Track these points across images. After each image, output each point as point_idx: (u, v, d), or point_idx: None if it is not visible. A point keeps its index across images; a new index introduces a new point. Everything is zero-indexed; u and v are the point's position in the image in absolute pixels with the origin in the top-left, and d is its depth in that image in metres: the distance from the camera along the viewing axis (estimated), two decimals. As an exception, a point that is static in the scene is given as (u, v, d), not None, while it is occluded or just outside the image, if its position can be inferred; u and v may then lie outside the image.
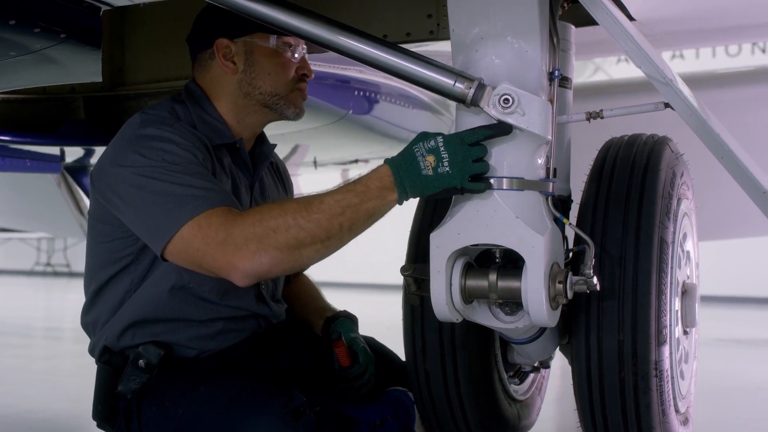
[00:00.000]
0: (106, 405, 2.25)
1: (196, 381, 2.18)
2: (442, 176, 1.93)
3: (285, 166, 2.67)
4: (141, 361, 2.20)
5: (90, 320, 2.32)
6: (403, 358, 2.48)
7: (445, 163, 1.92)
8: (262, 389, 2.11)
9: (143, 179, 2.06)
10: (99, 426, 2.31)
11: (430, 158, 1.93)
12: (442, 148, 1.93)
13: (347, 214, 1.97)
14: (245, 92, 2.29)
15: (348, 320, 2.51)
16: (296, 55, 2.31)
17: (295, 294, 2.61)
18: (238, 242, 1.97)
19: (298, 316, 2.56)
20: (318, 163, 5.57)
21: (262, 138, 2.44)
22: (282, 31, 2.07)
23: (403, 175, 1.95)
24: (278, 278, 2.46)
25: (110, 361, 2.26)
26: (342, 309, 2.57)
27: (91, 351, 2.33)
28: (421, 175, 1.94)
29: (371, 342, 2.54)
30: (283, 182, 2.59)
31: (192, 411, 2.13)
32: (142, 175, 2.07)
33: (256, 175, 2.38)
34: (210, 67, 2.31)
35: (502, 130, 1.93)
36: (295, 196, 2.69)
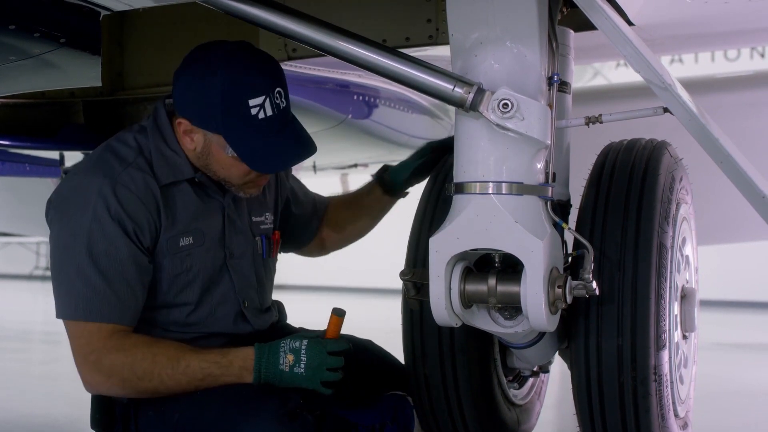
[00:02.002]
0: (103, 412, 2.25)
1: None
2: (295, 375, 2.11)
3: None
4: None
5: None
6: (402, 362, 2.48)
7: (302, 366, 2.11)
8: (259, 391, 2.11)
9: (61, 254, 2.17)
10: (97, 434, 2.31)
11: (290, 357, 2.11)
12: (303, 351, 2.12)
13: (205, 382, 2.12)
14: (201, 165, 2.25)
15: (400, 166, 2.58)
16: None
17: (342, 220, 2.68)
18: (103, 370, 2.12)
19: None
20: (317, 168, 5.57)
21: None
22: (244, 159, 2.15)
23: (262, 363, 2.12)
24: (266, 287, 2.44)
25: None
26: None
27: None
28: (278, 369, 2.11)
29: (370, 346, 2.54)
30: (268, 188, 2.49)
31: (188, 414, 2.14)
32: (62, 250, 2.17)
33: (227, 197, 2.32)
34: None
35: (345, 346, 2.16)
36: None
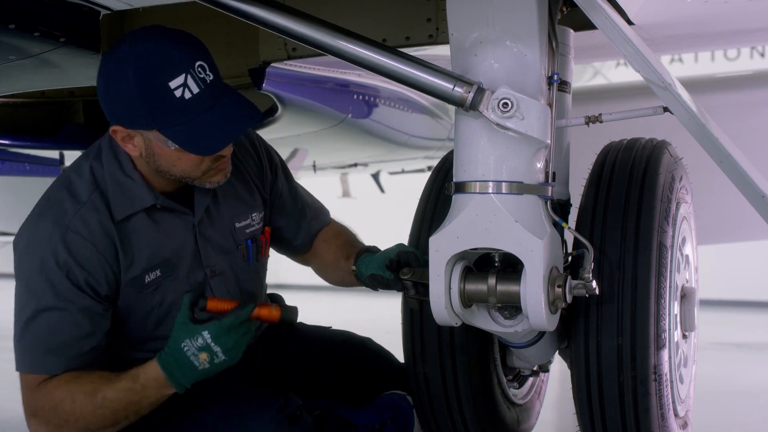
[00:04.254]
0: None
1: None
2: (221, 364, 2.00)
3: (259, 153, 2.41)
4: None
5: None
6: (402, 362, 2.48)
7: (220, 355, 1.98)
8: (257, 394, 2.10)
9: (16, 307, 2.10)
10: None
11: (203, 355, 1.99)
12: (212, 344, 1.98)
13: (130, 408, 2.03)
14: (153, 169, 2.11)
15: (369, 254, 2.38)
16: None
17: (330, 260, 2.50)
18: (40, 419, 2.07)
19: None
20: (317, 167, 5.58)
21: None
22: (184, 146, 2.01)
23: (177, 374, 2.00)
24: (254, 293, 2.37)
25: None
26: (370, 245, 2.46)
27: None
28: (198, 370, 2.00)
29: (369, 344, 2.54)
30: (249, 182, 2.37)
31: (187, 418, 2.13)
32: (17, 302, 2.10)
33: (197, 213, 2.21)
34: None
35: (247, 311, 2.02)
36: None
